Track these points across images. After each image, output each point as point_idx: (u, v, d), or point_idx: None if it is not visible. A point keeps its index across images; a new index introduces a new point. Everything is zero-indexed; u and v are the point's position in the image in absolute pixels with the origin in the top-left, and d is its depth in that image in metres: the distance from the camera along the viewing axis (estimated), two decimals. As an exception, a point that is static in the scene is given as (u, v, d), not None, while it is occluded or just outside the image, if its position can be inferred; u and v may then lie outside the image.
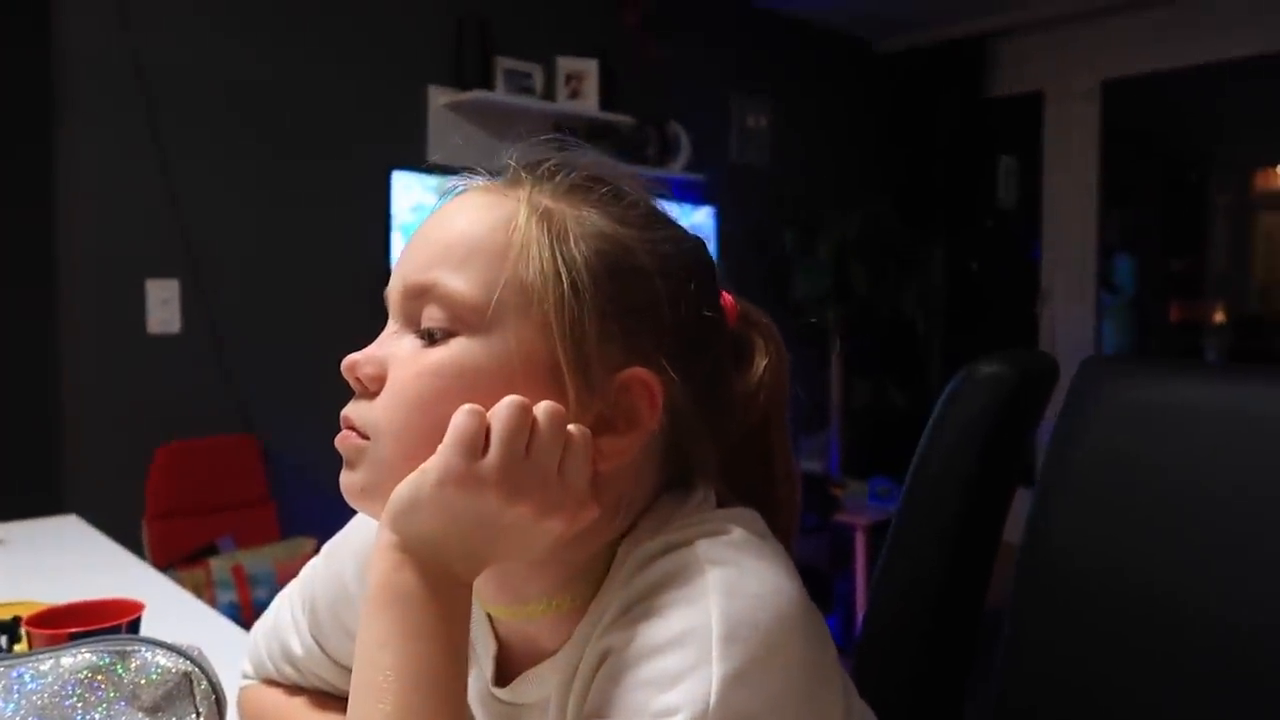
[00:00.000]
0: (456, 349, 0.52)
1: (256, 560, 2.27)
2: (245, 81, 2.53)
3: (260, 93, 2.56)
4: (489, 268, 0.52)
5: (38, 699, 0.58)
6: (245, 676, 0.77)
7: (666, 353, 0.54)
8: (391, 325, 0.55)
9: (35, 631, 0.70)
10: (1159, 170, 4.33)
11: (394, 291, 0.55)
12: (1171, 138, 4.28)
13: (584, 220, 0.54)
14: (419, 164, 2.79)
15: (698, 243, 0.60)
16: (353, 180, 2.70)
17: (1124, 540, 0.71)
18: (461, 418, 0.48)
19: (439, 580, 0.50)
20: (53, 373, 2.32)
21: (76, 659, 0.60)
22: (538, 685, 0.58)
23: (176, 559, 2.26)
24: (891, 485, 3.35)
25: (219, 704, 0.63)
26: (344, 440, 0.54)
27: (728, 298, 0.62)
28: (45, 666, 0.59)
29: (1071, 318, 4.11)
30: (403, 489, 0.50)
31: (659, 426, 0.54)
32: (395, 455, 0.51)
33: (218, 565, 2.23)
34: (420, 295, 0.53)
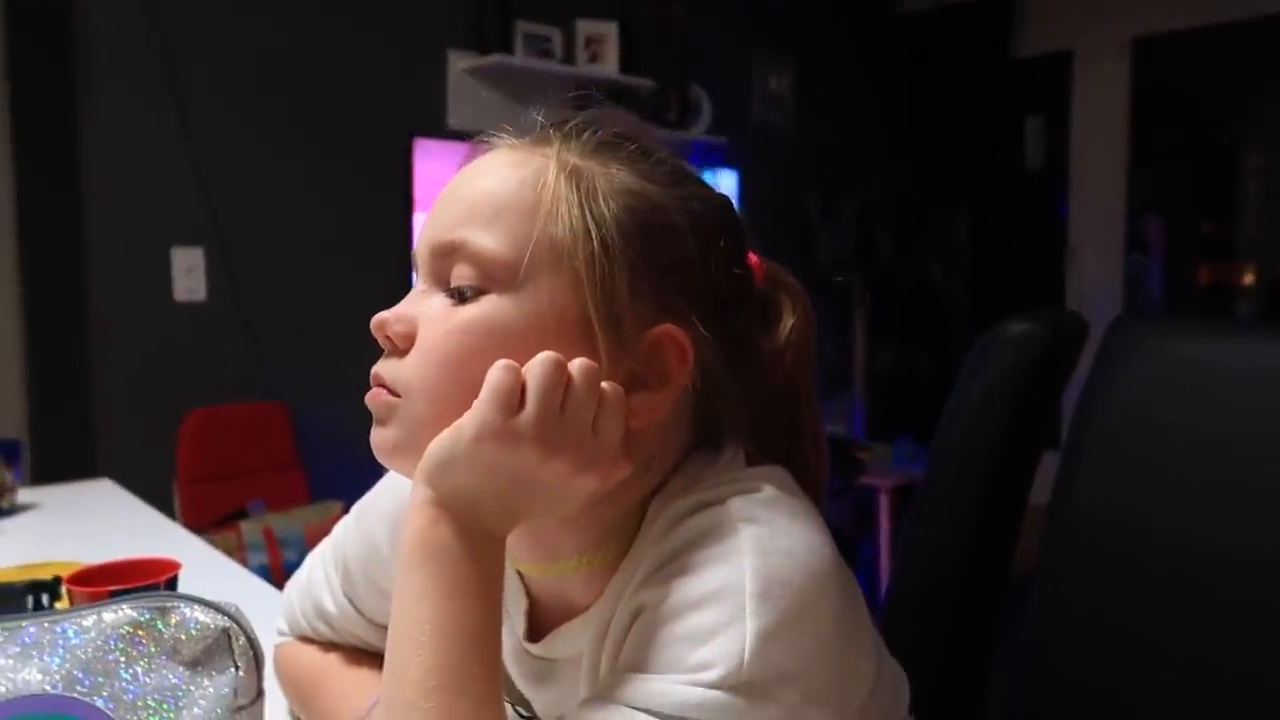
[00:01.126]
0: (488, 306, 0.52)
1: (286, 523, 2.30)
2: (265, 49, 2.52)
3: (280, 60, 2.55)
4: (519, 225, 0.52)
5: (81, 653, 0.59)
6: (280, 634, 0.79)
7: (697, 310, 0.54)
8: (420, 284, 0.56)
9: (76, 589, 0.71)
10: (1190, 130, 4.25)
11: (422, 250, 0.55)
12: (1203, 97, 4.18)
13: (613, 177, 0.54)
14: (440, 129, 2.78)
15: (725, 201, 0.60)
16: (374, 147, 2.70)
17: (1154, 498, 0.70)
18: (498, 373, 0.49)
19: (475, 536, 0.50)
20: (84, 341, 2.35)
21: (118, 615, 0.61)
22: (570, 641, 0.59)
23: (207, 523, 2.29)
24: (917, 448, 3.34)
25: (257, 659, 0.64)
26: (375, 398, 0.54)
27: (754, 257, 0.62)
28: (88, 622, 0.60)
29: (1099, 279, 4.06)
30: (438, 445, 0.50)
31: (690, 384, 0.54)
32: (427, 412, 0.52)
33: (248, 528, 2.27)
34: (450, 253, 0.53)
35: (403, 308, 0.55)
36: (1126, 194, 4.01)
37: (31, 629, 0.60)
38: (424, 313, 0.54)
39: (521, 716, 0.66)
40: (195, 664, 0.61)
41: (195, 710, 0.60)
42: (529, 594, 0.62)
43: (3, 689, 0.57)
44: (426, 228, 0.56)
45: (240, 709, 0.61)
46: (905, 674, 0.63)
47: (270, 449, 2.49)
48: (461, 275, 0.53)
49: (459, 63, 2.87)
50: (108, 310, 2.34)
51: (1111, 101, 3.99)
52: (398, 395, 0.53)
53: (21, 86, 2.58)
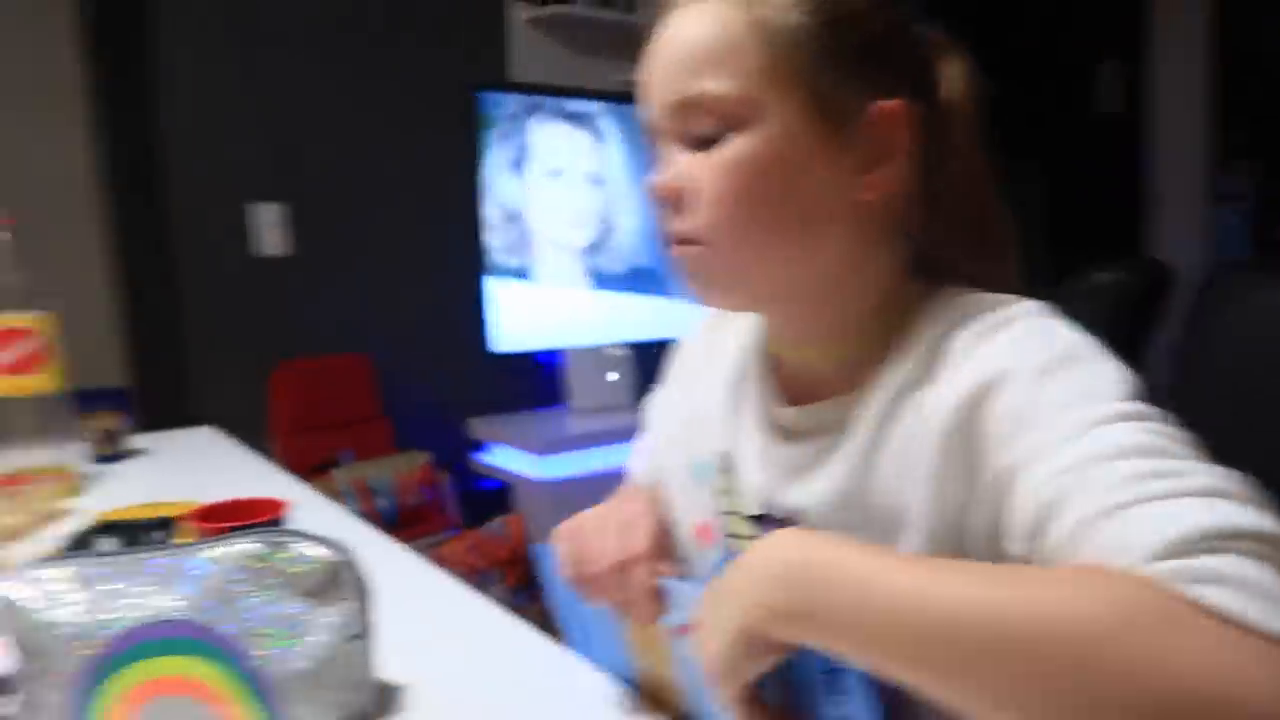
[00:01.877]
0: (738, 145, 0.57)
1: (377, 472, 2.37)
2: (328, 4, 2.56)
3: (342, 13, 2.58)
4: (732, 62, 0.56)
5: (207, 583, 0.63)
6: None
7: (901, 83, 0.58)
8: (666, 150, 0.61)
9: (198, 525, 0.76)
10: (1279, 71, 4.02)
11: (658, 116, 0.60)
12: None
13: None
14: (503, 83, 2.79)
15: None
16: (441, 101, 2.72)
17: (1253, 447, 0.69)
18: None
19: (823, 590, 0.46)
20: (173, 298, 2.43)
21: (237, 548, 0.65)
22: (834, 412, 0.61)
23: (301, 472, 2.37)
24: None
25: (365, 593, 0.68)
26: (681, 253, 0.60)
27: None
28: (212, 554, 0.65)
29: (1181, 229, 3.91)
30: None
31: (919, 152, 0.59)
32: (726, 245, 0.58)
33: (341, 477, 2.34)
34: (685, 109, 0.58)
35: (665, 171, 0.60)
36: (1209, 143, 3.83)
37: (162, 561, 0.64)
38: (684, 169, 0.59)
39: (750, 519, 0.66)
40: (310, 595, 0.65)
41: (313, 638, 0.64)
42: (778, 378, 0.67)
43: (139, 614, 0.62)
44: (653, 96, 0.60)
45: (355, 638, 0.65)
46: None
47: (355, 401, 2.56)
48: (703, 124, 0.57)
49: (521, 14, 2.87)
50: (194, 267, 2.42)
51: (1195, 43, 3.81)
52: (697, 243, 0.59)
53: (100, 44, 2.65)
